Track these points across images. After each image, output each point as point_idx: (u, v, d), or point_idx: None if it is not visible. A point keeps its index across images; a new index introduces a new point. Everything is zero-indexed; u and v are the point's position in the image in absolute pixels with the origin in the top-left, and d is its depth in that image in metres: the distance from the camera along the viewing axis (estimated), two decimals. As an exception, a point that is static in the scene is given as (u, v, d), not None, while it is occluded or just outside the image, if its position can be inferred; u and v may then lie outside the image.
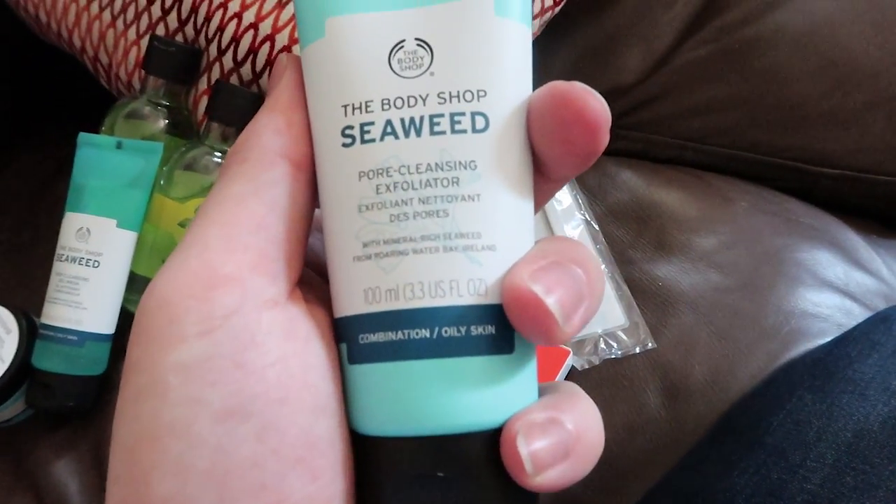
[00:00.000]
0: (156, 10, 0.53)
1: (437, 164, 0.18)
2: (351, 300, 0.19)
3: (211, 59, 0.52)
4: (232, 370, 0.17)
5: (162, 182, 0.49)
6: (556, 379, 0.48)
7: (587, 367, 0.49)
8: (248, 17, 0.49)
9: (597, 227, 0.54)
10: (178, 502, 0.16)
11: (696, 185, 0.57)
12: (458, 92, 0.18)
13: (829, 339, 0.46)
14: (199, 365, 0.17)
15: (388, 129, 0.18)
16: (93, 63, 0.57)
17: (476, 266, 0.18)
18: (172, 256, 0.18)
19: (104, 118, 0.53)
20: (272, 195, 0.19)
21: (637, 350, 0.49)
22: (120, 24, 0.54)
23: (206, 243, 0.18)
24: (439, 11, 0.19)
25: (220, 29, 0.50)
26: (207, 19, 0.51)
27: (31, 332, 0.48)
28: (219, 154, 0.49)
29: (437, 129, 0.18)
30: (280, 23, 0.49)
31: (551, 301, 0.17)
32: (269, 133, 0.19)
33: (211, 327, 0.17)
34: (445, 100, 0.18)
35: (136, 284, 0.50)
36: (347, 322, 0.19)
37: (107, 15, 0.54)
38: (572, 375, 0.49)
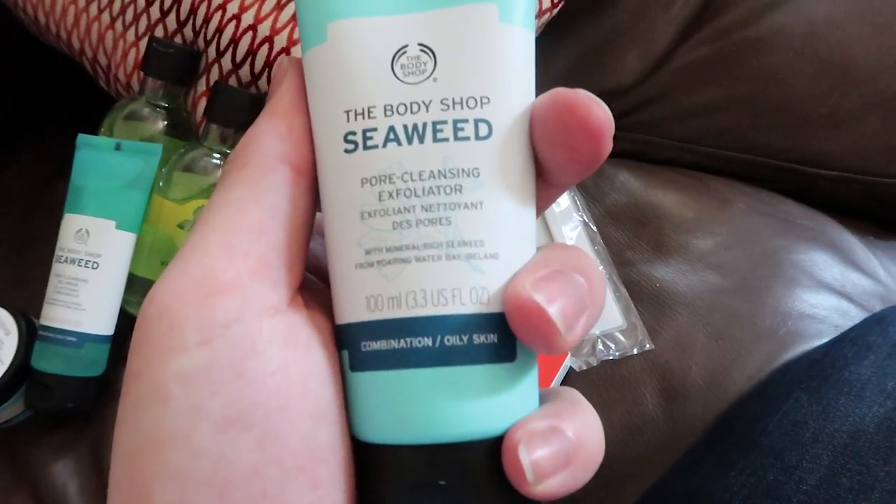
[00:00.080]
0: (155, 11, 0.53)
1: (439, 172, 0.18)
2: (353, 307, 0.19)
3: (210, 60, 0.52)
4: (233, 379, 0.17)
5: (161, 183, 0.50)
6: (554, 380, 0.48)
7: (585, 368, 0.49)
8: (247, 18, 0.50)
9: (595, 228, 0.55)
10: None
11: (693, 187, 0.57)
12: (462, 98, 0.18)
13: (825, 340, 0.46)
14: (199, 374, 0.17)
15: (391, 136, 0.18)
16: (92, 64, 0.57)
17: (479, 274, 0.18)
18: (173, 263, 0.18)
19: (103, 119, 0.53)
20: (273, 201, 0.18)
21: (635, 351, 0.49)
22: (119, 25, 0.54)
23: (207, 250, 0.18)
24: (443, 16, 0.19)
25: (219, 30, 0.51)
26: (206, 21, 0.51)
27: (31, 333, 0.48)
28: (218, 155, 0.49)
29: (440, 135, 0.18)
30: (279, 24, 0.49)
31: (553, 310, 0.17)
32: (269, 138, 0.19)
33: (211, 336, 0.17)
34: (448, 106, 0.18)
35: (135, 286, 0.50)
36: (349, 329, 0.19)
37: (106, 16, 0.55)
38: (570, 376, 0.49)
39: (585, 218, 0.55)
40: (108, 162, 0.48)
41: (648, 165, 0.60)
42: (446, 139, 0.18)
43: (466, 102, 0.18)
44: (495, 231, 0.18)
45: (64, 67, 0.61)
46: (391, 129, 0.18)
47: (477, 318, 0.18)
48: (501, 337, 0.18)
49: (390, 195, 0.18)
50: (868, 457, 0.35)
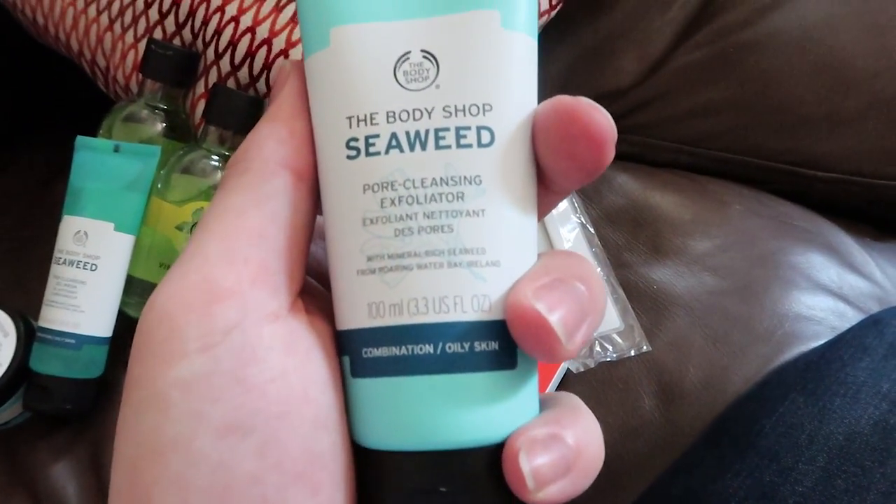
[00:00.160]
0: (153, 13, 0.53)
1: (441, 179, 0.18)
2: (354, 314, 0.19)
3: (208, 62, 0.52)
4: (233, 386, 0.17)
5: (159, 185, 0.50)
6: (552, 381, 0.48)
7: (582, 370, 0.49)
8: (246, 20, 0.50)
9: (592, 230, 0.55)
10: None
11: (691, 189, 0.57)
12: (464, 106, 0.18)
13: (822, 341, 0.46)
14: (200, 381, 0.17)
15: (394, 143, 0.18)
16: (90, 66, 0.57)
17: (480, 282, 0.18)
18: (173, 269, 0.18)
19: (102, 121, 0.53)
20: (273, 206, 0.18)
21: (632, 353, 0.49)
22: (117, 27, 0.54)
23: (207, 256, 0.18)
24: (446, 23, 0.19)
25: (218, 32, 0.51)
26: (205, 23, 0.51)
27: (29, 335, 0.48)
28: (216, 157, 0.49)
29: (442, 143, 0.18)
30: (277, 27, 0.49)
31: (554, 319, 0.17)
32: (270, 143, 0.19)
33: (212, 343, 0.17)
34: (451, 113, 0.18)
35: (134, 287, 0.50)
36: (350, 335, 0.19)
37: (104, 18, 0.55)
38: (567, 378, 0.49)
39: (583, 220, 0.55)
40: (106, 164, 0.48)
41: (646, 167, 0.60)
42: (448, 146, 0.18)
43: (469, 109, 0.18)
44: (497, 239, 0.18)
45: (63, 69, 0.61)
46: (393, 135, 0.18)
47: (478, 326, 0.18)
48: (502, 344, 0.18)
49: (392, 202, 0.18)
50: (863, 458, 0.35)
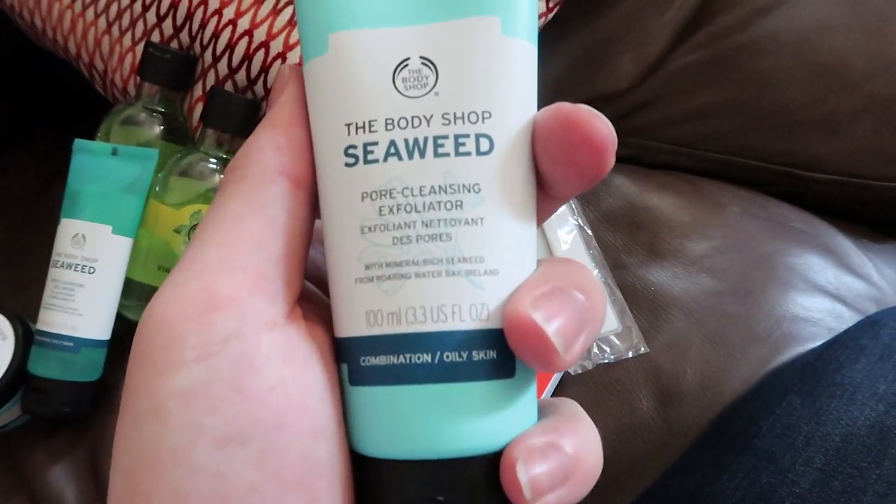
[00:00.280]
0: (151, 16, 0.53)
1: (440, 187, 0.18)
2: (352, 322, 0.19)
3: (206, 65, 0.52)
4: (231, 395, 0.17)
5: (157, 188, 0.50)
6: (549, 384, 0.48)
7: (580, 371, 0.49)
8: (243, 24, 0.50)
9: (590, 232, 0.55)
10: None
11: (688, 191, 0.58)
12: (463, 113, 0.18)
13: (820, 343, 0.47)
14: (198, 390, 0.17)
15: (392, 150, 0.18)
16: (88, 69, 0.57)
17: (479, 291, 0.18)
18: (171, 276, 0.18)
19: (100, 124, 0.53)
20: (271, 213, 0.18)
21: (630, 354, 0.49)
22: (115, 30, 0.54)
23: (206, 264, 0.18)
24: (445, 29, 0.18)
25: (215, 36, 0.51)
26: (202, 26, 0.51)
27: (27, 338, 0.48)
28: (214, 160, 0.50)
29: (441, 150, 0.18)
30: (274, 30, 0.49)
31: (552, 330, 0.17)
32: (269, 150, 0.19)
33: (210, 352, 0.17)
34: (450, 121, 0.18)
35: (132, 290, 0.50)
36: (348, 343, 0.19)
37: (102, 22, 0.55)
38: (565, 380, 0.49)
39: (581, 222, 0.55)
40: (104, 167, 0.48)
41: (644, 169, 0.60)
42: (447, 154, 0.18)
43: (468, 117, 0.18)
44: (496, 247, 0.18)
45: (60, 72, 0.61)
46: (392, 143, 0.18)
47: (476, 335, 0.18)
48: (501, 353, 0.18)
49: (391, 210, 0.18)
50: (860, 460, 0.35)
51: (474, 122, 0.18)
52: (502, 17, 0.18)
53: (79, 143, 0.49)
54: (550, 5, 0.56)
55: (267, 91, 0.50)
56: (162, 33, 0.53)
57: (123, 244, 0.48)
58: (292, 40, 0.49)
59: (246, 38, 0.50)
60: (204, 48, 0.52)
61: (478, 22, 0.18)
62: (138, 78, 0.52)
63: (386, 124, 0.18)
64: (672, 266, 0.53)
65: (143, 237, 0.50)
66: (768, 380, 0.45)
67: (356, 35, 0.19)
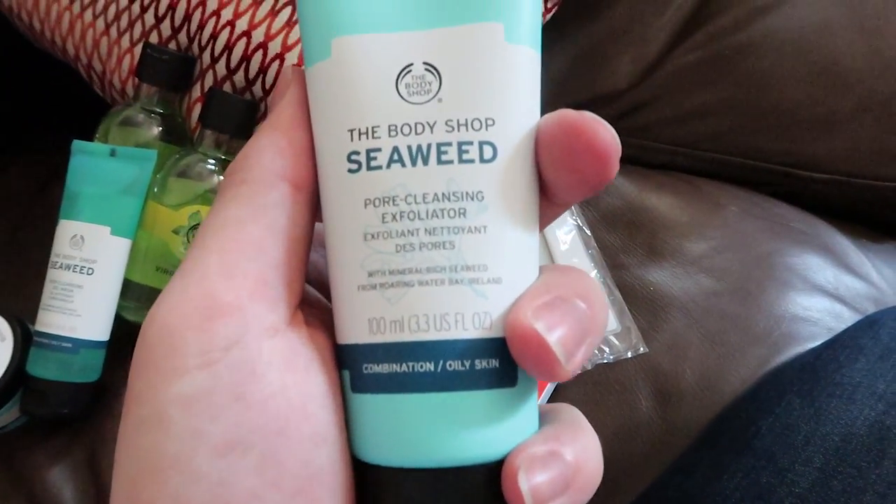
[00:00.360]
0: (149, 18, 0.53)
1: (443, 195, 0.18)
2: (355, 329, 0.18)
3: (204, 66, 0.52)
4: (232, 403, 0.17)
5: (156, 189, 0.50)
6: (548, 385, 0.48)
7: (579, 371, 0.49)
8: (241, 25, 0.50)
9: (588, 232, 0.55)
10: None
11: (687, 191, 0.58)
12: (467, 120, 0.18)
13: (819, 342, 0.47)
14: (200, 398, 0.17)
15: (395, 157, 0.18)
16: (87, 70, 0.57)
17: (482, 299, 0.18)
18: (172, 282, 0.18)
19: (98, 125, 0.53)
20: (271, 218, 0.18)
21: (629, 355, 0.49)
22: (114, 31, 0.54)
23: (206, 269, 0.18)
24: (449, 35, 0.18)
25: (214, 37, 0.51)
26: (201, 27, 0.51)
27: (26, 339, 0.48)
28: (212, 161, 0.49)
29: (444, 157, 0.18)
30: (273, 31, 0.49)
31: (553, 339, 0.17)
32: (269, 153, 0.19)
33: (212, 359, 0.17)
34: (453, 128, 0.18)
35: (131, 291, 0.50)
36: (351, 350, 0.19)
37: (100, 23, 0.55)
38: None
39: (579, 222, 0.55)
40: (102, 168, 0.48)
41: (642, 169, 0.60)
42: (451, 161, 0.18)
43: (471, 124, 0.18)
44: (499, 256, 0.18)
45: (59, 73, 0.61)
46: (395, 149, 0.18)
47: (479, 344, 0.18)
48: (503, 362, 0.18)
49: (394, 217, 0.18)
50: (859, 459, 0.35)
51: (478, 130, 0.18)
52: (506, 24, 0.18)
53: (77, 144, 0.49)
54: (549, 5, 0.56)
55: (265, 92, 0.50)
56: (160, 34, 0.53)
57: (122, 245, 0.48)
58: (290, 41, 0.49)
59: (244, 39, 0.50)
60: (202, 49, 0.52)
61: (481, 28, 0.18)
62: (137, 79, 0.52)
63: (389, 130, 0.18)
64: (671, 266, 0.53)
65: (142, 238, 0.50)
66: (767, 380, 0.45)
67: (359, 40, 0.18)
